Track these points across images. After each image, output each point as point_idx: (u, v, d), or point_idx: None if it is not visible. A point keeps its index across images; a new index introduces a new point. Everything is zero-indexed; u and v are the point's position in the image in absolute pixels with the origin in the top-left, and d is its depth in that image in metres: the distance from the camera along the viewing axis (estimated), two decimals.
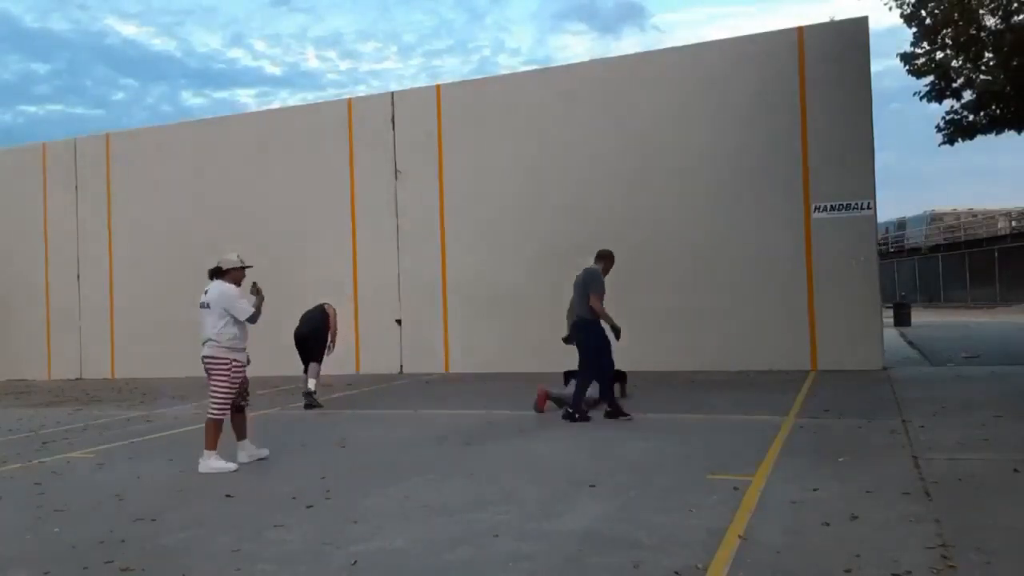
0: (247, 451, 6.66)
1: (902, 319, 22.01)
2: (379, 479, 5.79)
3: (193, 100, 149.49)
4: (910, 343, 16.00)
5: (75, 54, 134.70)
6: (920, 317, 24.65)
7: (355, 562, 3.96)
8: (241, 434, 6.67)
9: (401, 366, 14.41)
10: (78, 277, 17.05)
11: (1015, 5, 11.05)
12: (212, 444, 6.36)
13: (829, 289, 11.99)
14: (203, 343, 6.43)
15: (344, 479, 5.85)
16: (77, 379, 16.65)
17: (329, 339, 10.37)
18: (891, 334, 16.35)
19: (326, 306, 10.62)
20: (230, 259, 6.63)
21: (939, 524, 4.16)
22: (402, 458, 6.59)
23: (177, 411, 10.44)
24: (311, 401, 9.98)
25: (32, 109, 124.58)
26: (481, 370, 13.42)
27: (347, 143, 14.97)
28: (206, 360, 6.41)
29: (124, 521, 4.91)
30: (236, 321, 6.40)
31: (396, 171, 14.62)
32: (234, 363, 6.42)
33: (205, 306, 6.43)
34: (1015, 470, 5.23)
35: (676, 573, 3.62)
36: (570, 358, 10.93)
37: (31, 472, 6.67)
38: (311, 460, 6.66)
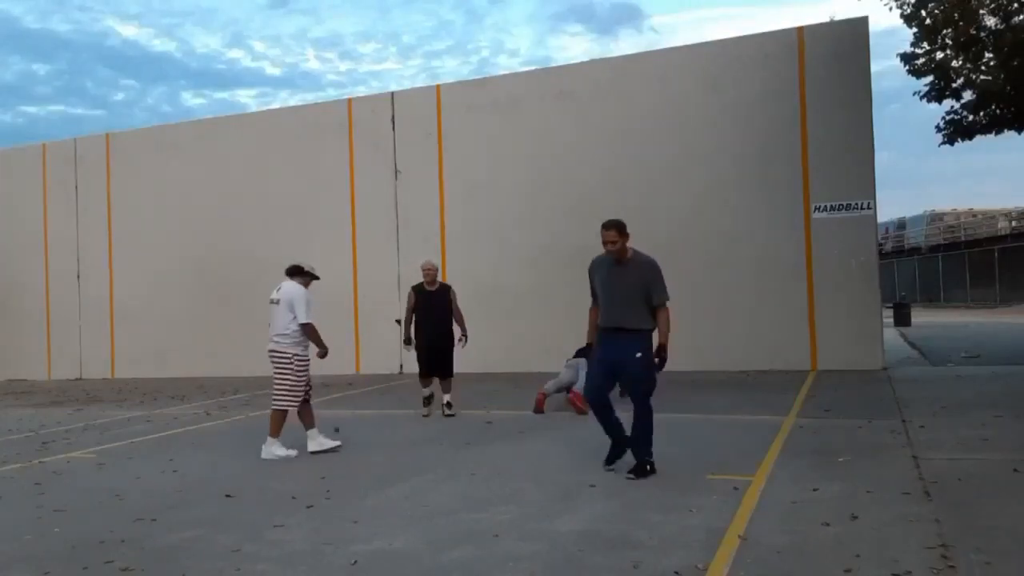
0: (317, 441, 6.91)
1: (902, 319, 22.00)
2: (379, 479, 5.79)
3: (193, 101, 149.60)
4: (910, 343, 15.99)
5: (75, 55, 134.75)
6: (920, 317, 24.63)
7: (355, 562, 3.96)
8: (310, 424, 6.96)
9: (401, 366, 14.39)
10: (78, 277, 17.05)
11: (1015, 5, 11.05)
12: (276, 432, 6.79)
13: (829, 289, 11.99)
14: (271, 337, 6.86)
15: (344, 479, 5.84)
16: (77, 379, 16.64)
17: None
18: (891, 334, 16.34)
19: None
20: (308, 263, 7.17)
21: (939, 524, 4.16)
22: (402, 458, 6.59)
23: (177, 411, 10.44)
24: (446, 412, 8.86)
25: (32, 109, 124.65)
26: (481, 370, 13.42)
27: (347, 143, 14.96)
28: (272, 353, 6.84)
29: (124, 521, 4.91)
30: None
31: (396, 171, 14.63)
32: (296, 357, 6.81)
33: (276, 302, 6.88)
34: (1015, 470, 5.23)
35: (676, 573, 3.62)
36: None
37: (31, 472, 6.66)
38: (311, 460, 6.65)
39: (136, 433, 8.65)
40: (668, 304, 5.58)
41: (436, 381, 8.99)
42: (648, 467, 5.50)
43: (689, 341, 12.50)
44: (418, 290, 8.90)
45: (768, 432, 6.90)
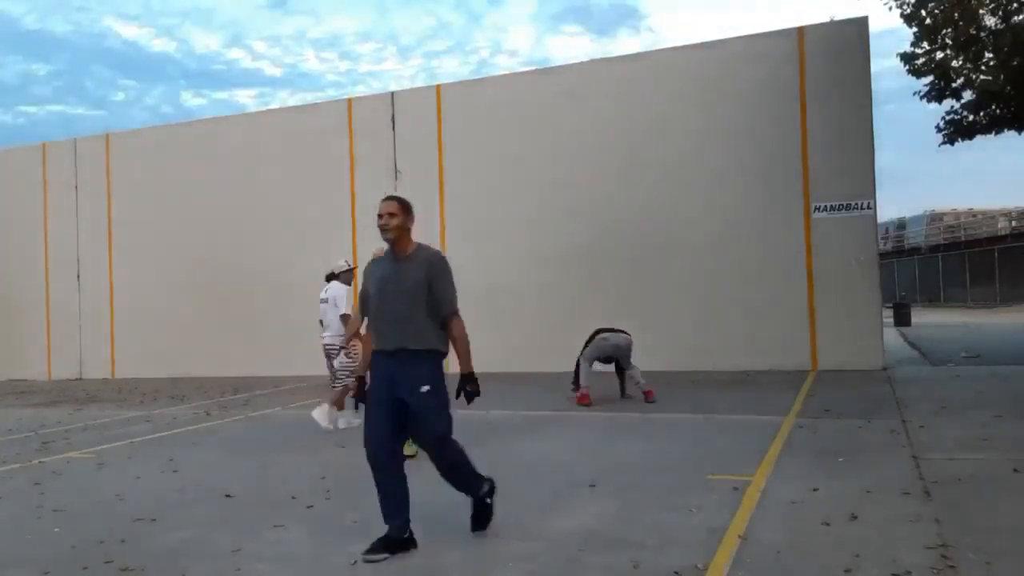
0: (346, 418, 8.24)
1: (902, 319, 22.01)
2: None
3: (193, 101, 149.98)
4: (910, 343, 15.99)
5: (75, 55, 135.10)
6: (920, 317, 24.64)
7: (355, 562, 3.96)
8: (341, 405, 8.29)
9: None
10: (78, 277, 17.04)
11: (1015, 5, 11.05)
12: (343, 405, 8.24)
13: (829, 289, 11.99)
14: (326, 332, 8.35)
15: (344, 479, 5.84)
16: (77, 379, 16.64)
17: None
18: (891, 334, 16.35)
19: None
20: (339, 264, 8.68)
21: (939, 524, 4.16)
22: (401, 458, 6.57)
23: (177, 411, 10.44)
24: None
25: (32, 110, 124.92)
26: (481, 370, 13.38)
27: (347, 143, 14.96)
28: (328, 347, 8.33)
29: (124, 521, 4.91)
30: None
31: (396, 171, 14.62)
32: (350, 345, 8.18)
33: (325, 301, 8.37)
34: (1015, 470, 5.23)
35: (676, 573, 3.62)
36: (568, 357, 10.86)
37: (31, 472, 6.66)
38: (311, 460, 6.65)
39: (136, 433, 8.64)
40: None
41: None
42: (487, 501, 4.29)
43: (689, 341, 12.55)
44: None
45: (768, 432, 6.90)
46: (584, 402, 9.05)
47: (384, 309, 4.16)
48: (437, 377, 4.13)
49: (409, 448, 6.28)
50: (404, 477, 4.19)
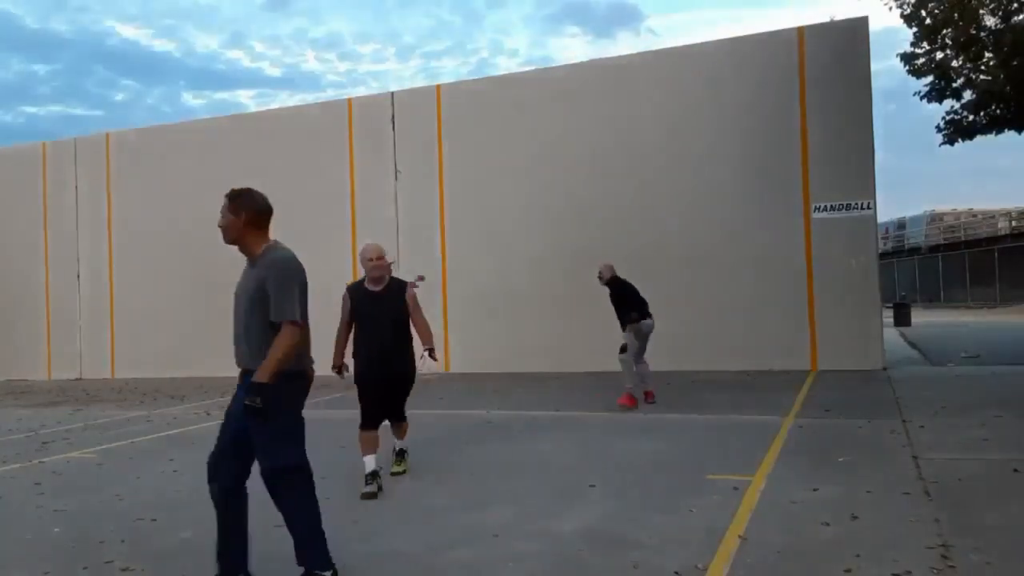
0: None
1: (902, 319, 21.99)
2: None
3: (193, 101, 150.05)
4: (910, 343, 15.99)
5: (75, 55, 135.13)
6: (920, 317, 24.63)
7: (356, 562, 3.96)
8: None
9: None
10: (78, 277, 17.04)
11: (1015, 5, 11.06)
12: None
13: (829, 289, 11.99)
14: None
15: (344, 479, 5.83)
16: (77, 379, 16.64)
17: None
18: (891, 334, 16.34)
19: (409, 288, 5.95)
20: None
21: (939, 524, 4.16)
22: None
23: (177, 411, 10.44)
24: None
25: (32, 109, 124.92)
26: (481, 370, 13.42)
27: (347, 143, 14.96)
28: None
29: (124, 521, 4.91)
30: None
31: (396, 171, 14.63)
32: None
33: None
34: (1015, 470, 5.23)
35: (676, 573, 3.62)
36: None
37: (31, 472, 6.66)
38: (311, 460, 6.63)
39: (136, 433, 8.64)
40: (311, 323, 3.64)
41: (382, 434, 5.87)
42: None
43: (689, 341, 12.55)
44: (356, 292, 5.75)
45: (768, 432, 6.90)
46: (631, 404, 8.59)
47: (234, 321, 3.65)
48: (275, 400, 3.42)
49: (398, 465, 6.07)
50: (236, 508, 3.54)
